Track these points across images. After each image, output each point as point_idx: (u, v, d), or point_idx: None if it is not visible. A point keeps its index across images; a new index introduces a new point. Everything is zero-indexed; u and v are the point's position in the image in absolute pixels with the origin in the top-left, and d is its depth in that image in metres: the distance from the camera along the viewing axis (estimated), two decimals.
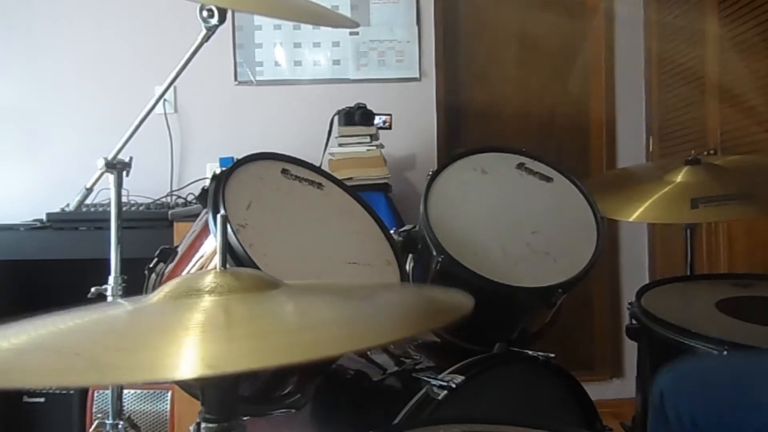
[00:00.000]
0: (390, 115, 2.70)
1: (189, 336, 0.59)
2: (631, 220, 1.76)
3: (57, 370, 0.56)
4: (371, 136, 2.60)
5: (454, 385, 1.20)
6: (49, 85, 2.92)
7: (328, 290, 0.85)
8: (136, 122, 1.46)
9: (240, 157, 1.26)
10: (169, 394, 2.26)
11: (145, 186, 2.39)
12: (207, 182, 1.20)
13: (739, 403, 1.02)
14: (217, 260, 0.75)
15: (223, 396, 0.72)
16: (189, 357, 0.56)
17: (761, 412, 0.97)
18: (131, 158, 1.47)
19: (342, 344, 0.61)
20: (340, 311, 0.72)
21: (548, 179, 1.56)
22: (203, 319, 0.63)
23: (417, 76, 3.02)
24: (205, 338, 0.59)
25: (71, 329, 0.66)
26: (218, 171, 1.22)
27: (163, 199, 2.67)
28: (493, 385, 1.30)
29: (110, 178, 1.46)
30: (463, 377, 1.23)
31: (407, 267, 1.44)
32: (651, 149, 3.17)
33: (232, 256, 1.07)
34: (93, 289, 1.46)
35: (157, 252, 1.31)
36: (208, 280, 0.70)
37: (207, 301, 0.68)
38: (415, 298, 0.85)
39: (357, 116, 2.61)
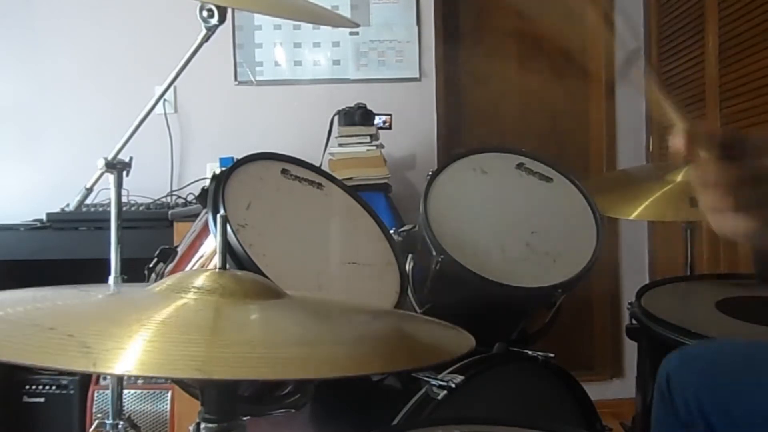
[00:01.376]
0: (390, 115, 2.70)
1: (139, 332, 0.59)
2: (631, 218, 1.76)
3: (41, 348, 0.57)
4: (371, 136, 2.60)
5: (453, 385, 1.21)
6: (49, 85, 2.92)
7: (321, 308, 0.83)
8: (136, 122, 1.46)
9: (240, 157, 1.26)
10: (169, 394, 2.26)
11: (145, 186, 2.39)
12: (207, 182, 1.20)
13: (746, 386, 1.02)
14: (216, 260, 0.75)
15: (222, 396, 0.72)
16: (131, 354, 0.57)
17: (767, 394, 0.98)
18: (131, 158, 1.47)
19: (293, 370, 0.61)
20: (315, 334, 0.70)
21: (548, 179, 1.56)
22: (163, 317, 0.63)
23: (417, 76, 3.02)
24: (153, 337, 0.59)
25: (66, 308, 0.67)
26: (218, 171, 1.22)
27: (163, 199, 2.67)
28: (493, 385, 1.30)
29: (110, 178, 1.46)
30: (462, 377, 1.23)
31: (407, 267, 1.44)
32: (651, 149, 3.17)
33: (232, 256, 1.07)
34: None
35: (157, 252, 1.31)
36: (201, 281, 0.71)
37: (190, 300, 0.68)
38: (408, 333, 0.82)
39: (357, 116, 2.61)
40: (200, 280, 0.71)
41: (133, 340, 0.59)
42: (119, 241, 1.48)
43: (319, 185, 1.32)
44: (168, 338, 0.60)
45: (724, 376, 1.05)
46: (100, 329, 0.61)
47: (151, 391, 2.27)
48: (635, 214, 1.74)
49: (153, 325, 0.61)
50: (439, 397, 1.20)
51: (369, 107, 2.64)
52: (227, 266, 0.75)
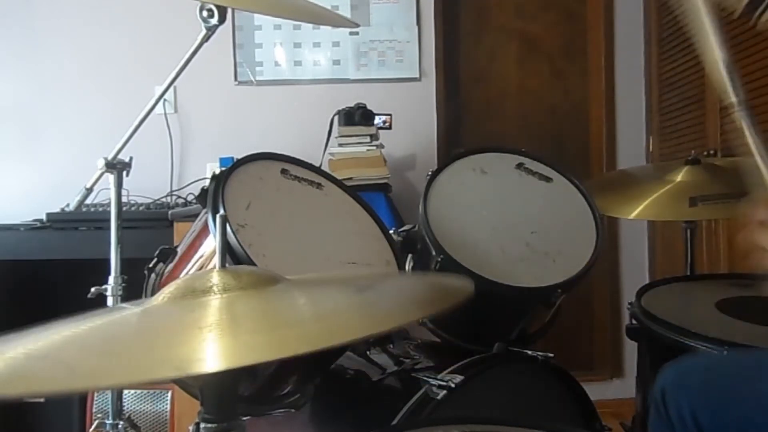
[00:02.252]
0: (390, 115, 2.70)
1: (204, 334, 0.60)
2: (630, 217, 1.76)
3: (78, 375, 0.57)
4: (371, 136, 2.60)
5: (453, 385, 1.20)
6: (49, 85, 2.92)
7: (329, 282, 0.85)
8: (136, 122, 1.46)
9: (240, 157, 1.26)
10: (169, 394, 2.26)
11: (145, 186, 2.39)
12: (207, 182, 1.20)
13: (741, 400, 1.01)
14: (216, 260, 0.75)
15: (222, 396, 0.72)
16: (211, 352, 0.57)
17: (763, 409, 0.97)
18: (131, 158, 1.47)
19: (354, 331, 0.62)
20: (347, 299, 0.73)
21: (547, 179, 1.56)
22: (214, 317, 0.64)
23: (417, 76, 3.02)
24: (220, 334, 0.60)
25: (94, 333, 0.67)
26: (218, 171, 1.23)
27: (163, 199, 2.67)
28: (492, 385, 1.30)
29: (110, 178, 1.46)
30: (462, 377, 1.23)
31: (407, 267, 1.44)
32: (651, 149, 3.18)
33: (232, 256, 1.07)
34: (93, 289, 1.46)
35: (157, 252, 1.31)
36: (211, 280, 0.70)
37: (215, 299, 0.68)
38: (415, 283, 0.85)
39: (357, 116, 2.61)
40: (214, 280, 0.71)
41: (203, 341, 0.59)
42: (119, 241, 1.48)
43: (319, 185, 1.32)
44: (227, 333, 0.61)
45: (719, 390, 1.04)
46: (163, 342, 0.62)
47: (151, 391, 2.27)
48: (635, 213, 1.74)
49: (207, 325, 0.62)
50: (439, 397, 1.20)
51: (369, 107, 2.64)
52: (227, 266, 0.75)
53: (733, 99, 0.87)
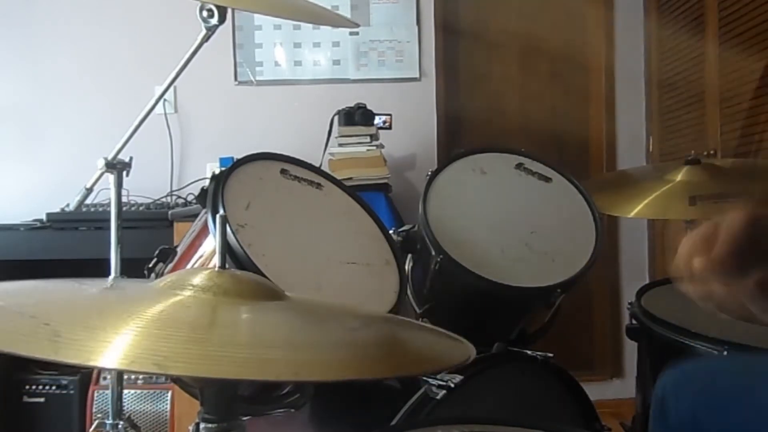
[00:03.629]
0: (390, 115, 2.70)
1: (129, 326, 0.60)
2: (630, 216, 1.76)
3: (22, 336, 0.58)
4: (371, 136, 2.60)
5: (452, 385, 1.21)
6: (49, 85, 2.92)
7: (314, 311, 0.82)
8: (136, 122, 1.46)
9: (240, 157, 1.26)
10: (169, 394, 2.26)
11: (145, 186, 2.39)
12: (207, 182, 1.20)
13: (742, 404, 1.01)
14: (216, 260, 0.75)
15: (222, 396, 0.72)
16: (118, 347, 0.57)
17: (764, 413, 0.97)
18: (131, 158, 1.47)
19: (282, 371, 0.61)
20: (305, 337, 0.70)
21: (547, 179, 1.56)
22: (156, 313, 0.64)
23: (417, 76, 3.02)
24: (144, 333, 0.60)
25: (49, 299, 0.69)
26: (218, 171, 1.23)
27: (163, 199, 2.67)
28: (492, 384, 1.31)
29: (110, 178, 1.46)
30: (461, 377, 1.23)
31: (406, 267, 1.44)
32: (651, 149, 3.17)
33: (231, 256, 1.08)
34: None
35: (157, 252, 1.31)
36: (199, 279, 0.71)
37: (186, 297, 0.68)
38: (402, 340, 0.81)
39: (357, 116, 2.61)
40: (198, 279, 0.71)
41: (108, 333, 0.59)
42: (119, 241, 1.48)
43: (319, 185, 1.32)
44: (148, 333, 0.60)
45: (720, 395, 1.04)
46: (83, 321, 0.62)
47: (151, 391, 2.27)
48: (634, 212, 1.73)
49: (140, 320, 0.62)
50: (438, 397, 1.20)
51: (369, 107, 2.64)
52: (226, 266, 0.75)
53: None
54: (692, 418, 1.02)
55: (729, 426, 1.00)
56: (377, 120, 2.65)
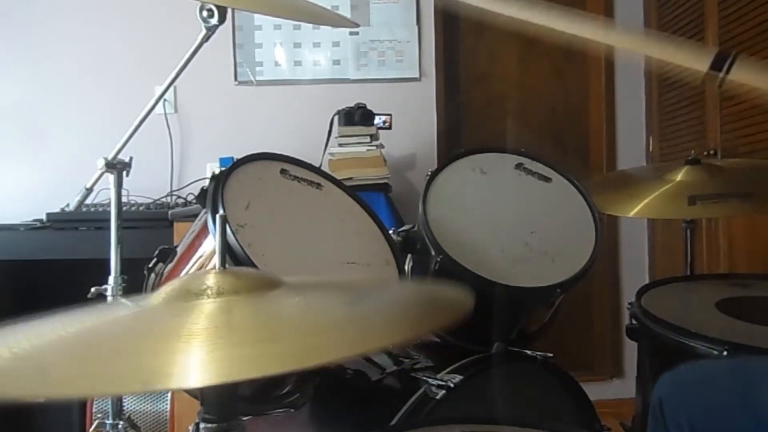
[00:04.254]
0: (390, 115, 2.70)
1: (193, 342, 0.57)
2: (630, 215, 1.76)
3: (75, 379, 0.55)
4: (371, 136, 2.60)
5: (452, 385, 1.21)
6: (49, 85, 2.92)
7: (328, 288, 0.84)
8: (136, 122, 1.46)
9: (240, 157, 1.26)
10: (169, 394, 2.25)
11: (145, 186, 2.39)
12: (207, 182, 1.20)
13: (739, 409, 1.01)
14: (216, 260, 0.75)
15: (222, 396, 0.72)
16: (194, 365, 0.54)
17: (761, 418, 0.97)
18: (131, 158, 1.47)
19: (346, 349, 0.60)
20: (343, 313, 0.71)
21: (547, 179, 1.56)
22: (205, 324, 0.62)
23: (417, 76, 3.02)
24: (210, 345, 0.57)
25: (73, 334, 0.65)
26: (218, 171, 1.23)
27: (163, 199, 2.67)
28: (491, 384, 1.31)
29: (110, 178, 1.46)
30: (461, 377, 1.23)
31: (406, 267, 1.44)
32: (651, 149, 3.18)
33: (231, 256, 1.08)
34: (93, 289, 1.46)
35: (157, 252, 1.31)
36: (209, 281, 0.69)
37: (208, 303, 0.66)
38: (415, 295, 0.83)
39: (357, 116, 2.61)
40: (209, 281, 0.69)
41: (189, 352, 0.56)
42: (119, 241, 1.48)
43: (318, 185, 1.32)
44: (217, 343, 0.58)
45: (717, 401, 1.04)
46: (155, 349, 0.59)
47: None
48: (634, 211, 1.74)
49: (197, 333, 0.59)
50: (438, 397, 1.20)
51: (369, 107, 2.64)
52: (226, 266, 0.75)
53: None
54: (690, 424, 1.02)
55: (727, 431, 1.00)
56: (377, 120, 2.65)
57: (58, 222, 2.34)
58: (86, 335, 0.65)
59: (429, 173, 1.50)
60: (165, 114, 2.81)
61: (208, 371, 0.54)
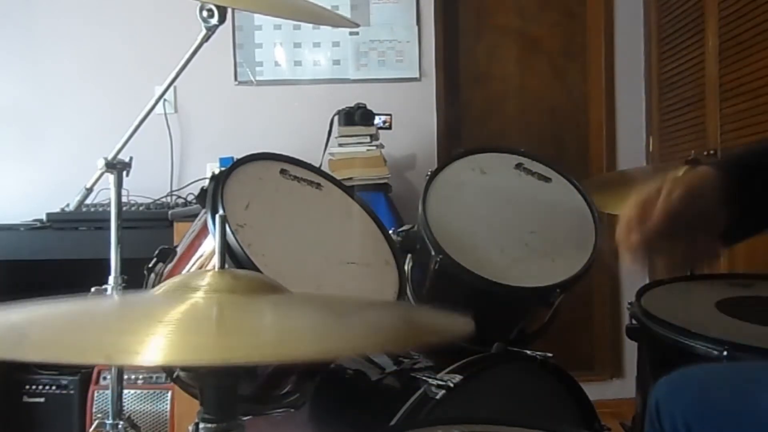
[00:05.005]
0: (390, 115, 2.70)
1: (168, 328, 0.61)
2: None
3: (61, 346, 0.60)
4: (371, 136, 2.60)
5: (452, 385, 1.21)
6: (49, 86, 2.92)
7: (320, 301, 0.84)
8: (136, 122, 1.46)
9: (240, 157, 1.26)
10: (169, 394, 2.26)
11: (145, 186, 2.39)
12: (207, 182, 1.20)
13: (736, 412, 1.01)
14: (216, 260, 0.75)
15: (221, 396, 0.72)
16: (159, 347, 0.58)
17: (759, 421, 0.97)
18: (131, 158, 1.47)
19: (308, 352, 0.63)
20: (317, 321, 0.72)
21: (546, 179, 1.56)
22: (189, 314, 0.65)
23: (417, 76, 3.02)
24: (181, 331, 0.61)
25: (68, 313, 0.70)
26: (218, 171, 1.23)
27: (163, 199, 2.67)
28: (491, 384, 1.31)
29: (110, 178, 1.46)
30: (461, 377, 1.23)
31: (406, 267, 1.44)
32: (651, 149, 3.17)
33: (231, 256, 1.08)
34: (93, 289, 1.46)
35: (157, 252, 1.31)
36: (207, 280, 0.71)
37: (200, 298, 0.69)
38: (403, 318, 0.85)
39: (357, 116, 2.61)
40: (206, 280, 0.71)
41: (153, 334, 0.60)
42: (119, 241, 1.48)
43: (318, 185, 1.32)
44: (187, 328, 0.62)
45: (714, 404, 1.03)
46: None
47: (151, 391, 2.27)
48: None
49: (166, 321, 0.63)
50: (438, 397, 1.20)
51: (369, 107, 2.64)
52: (226, 266, 0.75)
53: None
54: (686, 428, 1.02)
55: None
56: (377, 120, 2.65)
57: (58, 222, 2.34)
58: (71, 313, 0.70)
59: (429, 173, 1.50)
60: (165, 114, 2.81)
61: (170, 354, 0.58)
